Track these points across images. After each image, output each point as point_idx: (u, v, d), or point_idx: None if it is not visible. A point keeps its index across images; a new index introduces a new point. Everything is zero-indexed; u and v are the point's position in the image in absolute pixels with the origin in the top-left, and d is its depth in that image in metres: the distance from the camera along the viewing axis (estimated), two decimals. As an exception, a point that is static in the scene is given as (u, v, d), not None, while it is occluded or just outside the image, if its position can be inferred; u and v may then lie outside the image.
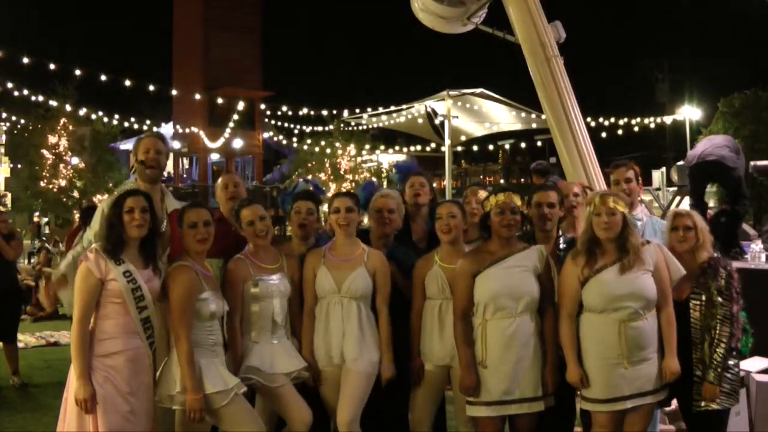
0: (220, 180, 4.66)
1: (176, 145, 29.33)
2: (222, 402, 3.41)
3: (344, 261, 3.91)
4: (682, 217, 3.86)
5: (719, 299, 3.68)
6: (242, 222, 3.87)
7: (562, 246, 4.09)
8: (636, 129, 20.58)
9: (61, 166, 23.26)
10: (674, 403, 3.95)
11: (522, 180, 24.87)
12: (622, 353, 3.51)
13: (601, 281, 3.56)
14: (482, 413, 3.64)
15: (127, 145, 28.02)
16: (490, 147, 29.34)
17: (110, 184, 23.31)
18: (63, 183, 23.19)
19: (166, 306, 3.49)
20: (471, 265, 3.71)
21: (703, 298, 3.72)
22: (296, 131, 26.82)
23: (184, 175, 32.44)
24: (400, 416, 4.05)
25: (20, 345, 8.40)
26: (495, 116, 15.52)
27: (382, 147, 29.28)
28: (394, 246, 4.25)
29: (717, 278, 3.72)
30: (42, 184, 23.12)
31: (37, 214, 26.13)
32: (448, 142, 15.13)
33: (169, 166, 30.17)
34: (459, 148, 23.55)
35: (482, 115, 15.50)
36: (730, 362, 3.69)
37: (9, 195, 22.91)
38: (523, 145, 23.79)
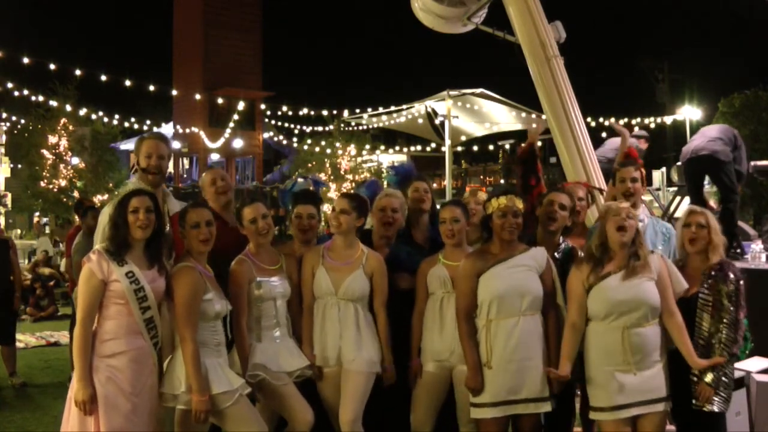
0: (205, 176, 4.46)
1: (176, 145, 29.30)
2: (227, 403, 3.41)
3: (343, 264, 3.93)
4: (696, 214, 3.85)
5: (728, 303, 3.66)
6: (244, 220, 3.88)
7: (558, 255, 4.05)
8: (636, 129, 20.52)
9: (61, 166, 23.25)
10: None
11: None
12: (627, 359, 3.49)
13: (605, 287, 3.56)
14: (488, 414, 3.63)
15: (127, 145, 28.01)
16: (490, 147, 29.32)
17: (110, 184, 23.30)
18: (63, 183, 23.17)
19: (171, 306, 3.49)
20: (474, 266, 3.71)
21: (712, 300, 3.69)
22: (296, 131, 26.83)
23: (184, 175, 32.42)
24: (403, 417, 4.04)
25: (20, 345, 8.41)
26: (495, 116, 15.49)
27: (382, 147, 29.27)
28: (396, 246, 4.25)
29: (727, 282, 3.69)
30: (42, 184, 23.11)
31: (37, 214, 26.12)
32: (448, 142, 15.11)
33: (170, 166, 30.22)
34: (459, 148, 23.54)
35: (482, 115, 15.48)
36: (728, 369, 3.68)
37: (9, 195, 22.87)
38: (523, 145, 23.71)
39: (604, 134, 19.07)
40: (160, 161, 3.91)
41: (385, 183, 5.43)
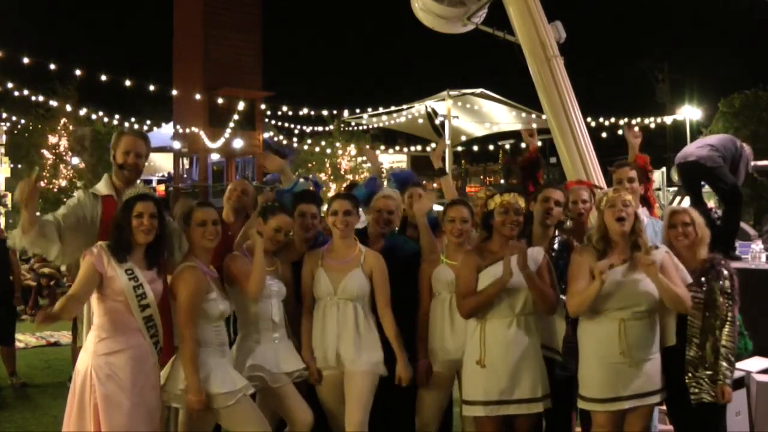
0: (237, 182, 4.84)
1: (176, 145, 29.28)
2: (229, 402, 3.41)
3: (341, 263, 3.92)
4: (679, 213, 3.82)
5: (723, 300, 3.63)
6: (273, 223, 3.85)
7: (555, 246, 4.10)
8: (636, 129, 20.49)
9: (61, 166, 23.27)
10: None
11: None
12: (622, 352, 3.48)
13: (608, 279, 3.54)
14: (479, 413, 3.62)
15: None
16: (490, 147, 29.32)
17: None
18: (63, 183, 23.19)
19: (174, 305, 3.49)
20: (476, 259, 3.70)
21: (703, 297, 3.67)
22: (296, 131, 26.84)
23: (185, 175, 32.38)
24: (406, 418, 4.04)
25: (20, 345, 8.41)
26: (495, 116, 15.55)
27: (382, 147, 29.29)
28: (391, 235, 4.31)
29: (720, 278, 3.67)
30: (42, 184, 23.11)
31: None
32: (448, 142, 15.15)
33: (170, 166, 30.21)
34: (459, 148, 23.56)
35: (482, 115, 15.53)
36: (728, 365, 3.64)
37: (9, 195, 22.89)
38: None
39: (604, 134, 19.12)
40: (138, 159, 3.80)
41: (385, 182, 5.46)
